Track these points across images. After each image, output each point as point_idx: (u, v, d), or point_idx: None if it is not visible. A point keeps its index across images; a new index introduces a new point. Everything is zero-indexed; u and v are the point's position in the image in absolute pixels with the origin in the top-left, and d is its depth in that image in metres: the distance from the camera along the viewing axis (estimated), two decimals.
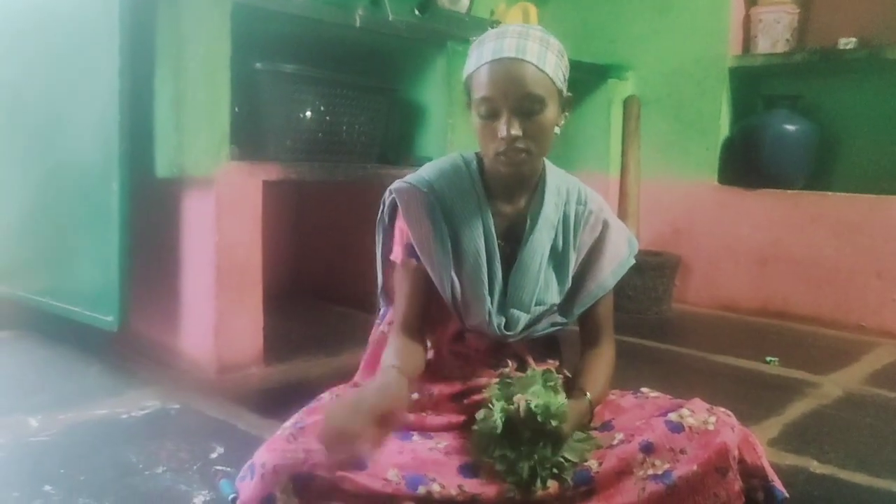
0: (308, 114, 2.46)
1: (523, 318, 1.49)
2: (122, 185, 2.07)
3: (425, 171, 1.52)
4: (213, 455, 1.67)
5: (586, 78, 3.71)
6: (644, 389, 1.60)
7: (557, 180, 1.55)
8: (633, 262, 1.60)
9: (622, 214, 3.75)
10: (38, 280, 2.45)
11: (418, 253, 1.46)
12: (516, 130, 1.34)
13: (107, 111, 2.06)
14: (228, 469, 1.58)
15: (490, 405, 1.36)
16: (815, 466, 1.78)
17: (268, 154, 2.36)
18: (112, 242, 2.08)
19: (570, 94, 1.46)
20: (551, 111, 1.39)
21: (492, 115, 1.36)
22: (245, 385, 2.18)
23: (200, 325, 2.23)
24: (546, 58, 1.37)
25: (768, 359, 2.69)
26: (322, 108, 2.48)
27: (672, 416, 1.41)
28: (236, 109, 2.24)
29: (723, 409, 1.44)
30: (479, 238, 1.47)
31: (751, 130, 3.48)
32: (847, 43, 3.26)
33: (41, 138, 2.36)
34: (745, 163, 3.50)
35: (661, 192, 3.67)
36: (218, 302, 2.19)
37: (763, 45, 3.52)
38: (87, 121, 2.16)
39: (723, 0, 3.52)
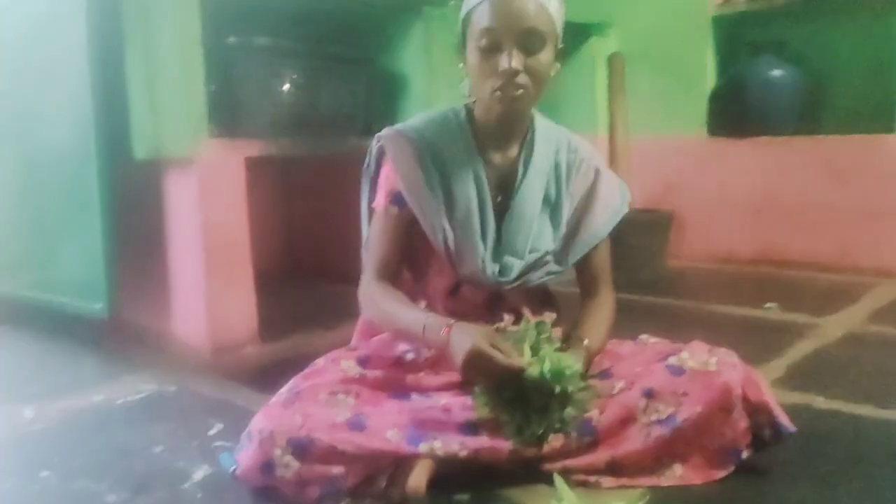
0: (286, 87, 2.41)
1: (517, 264, 1.47)
2: (101, 170, 2.03)
3: (414, 121, 1.52)
4: (212, 432, 1.65)
5: (569, 36, 3.62)
6: (643, 336, 1.58)
7: (547, 130, 1.54)
8: (626, 210, 1.59)
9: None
10: (25, 274, 2.42)
11: (408, 199, 1.44)
12: (518, 64, 1.34)
13: (79, 97, 2.02)
14: (228, 444, 1.55)
15: None
16: (820, 402, 1.76)
17: (248, 131, 2.32)
18: (95, 229, 2.05)
19: (563, 44, 1.45)
20: (550, 52, 1.39)
21: (492, 49, 1.35)
22: (241, 364, 2.16)
23: (192, 306, 2.20)
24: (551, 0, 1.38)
25: (767, 305, 2.68)
26: (300, 81, 2.43)
27: (672, 360, 1.39)
28: (212, 87, 2.20)
29: (724, 350, 1.43)
30: (471, 186, 1.45)
31: (737, 79, 3.44)
32: None
33: (14, 128, 2.32)
34: (734, 112, 3.47)
35: (651, 149, 3.63)
36: (208, 282, 2.16)
37: None
38: (60, 108, 2.12)
39: None
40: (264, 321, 2.33)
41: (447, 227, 1.44)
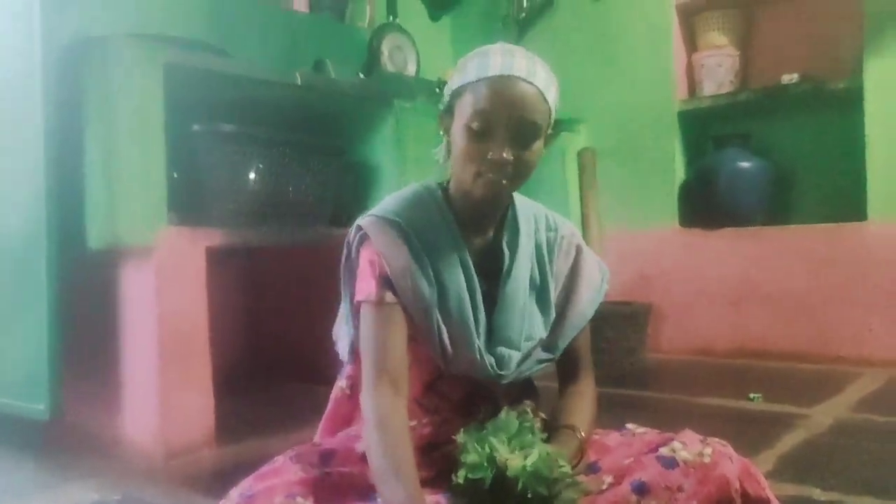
0: (252, 176, 2.35)
1: (515, 356, 1.35)
2: (50, 259, 1.92)
3: (389, 204, 1.37)
4: None
5: None
6: (629, 426, 1.46)
7: (525, 207, 1.44)
8: (606, 288, 1.49)
9: None
10: None
11: (398, 290, 1.28)
12: (509, 155, 1.24)
13: (32, 178, 1.93)
14: None
15: (467, 451, 1.20)
16: (819, 494, 1.65)
17: (211, 220, 2.23)
18: (41, 322, 1.92)
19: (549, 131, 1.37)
20: (540, 144, 1.30)
21: (483, 133, 1.25)
22: (195, 469, 1.99)
23: (144, 406, 2.05)
24: (550, 88, 1.29)
25: (751, 395, 2.58)
26: (266, 170, 2.37)
27: (664, 451, 1.27)
28: (175, 175, 2.13)
29: (717, 440, 1.31)
30: (459, 273, 1.33)
31: (705, 171, 3.47)
32: (790, 78, 3.29)
33: None
34: (704, 203, 3.48)
35: (625, 241, 3.61)
36: (162, 379, 2.02)
37: (708, 88, 3.56)
38: (11, 189, 2.02)
39: (664, 48, 3.57)
40: (222, 423, 2.18)
41: (440, 319, 1.31)
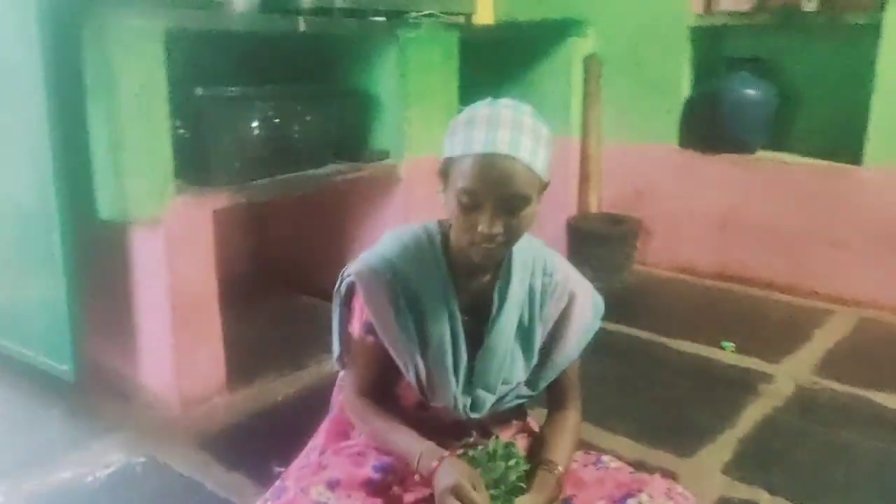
0: (256, 128, 2.34)
1: (489, 399, 1.47)
2: (64, 234, 1.98)
3: (387, 249, 1.45)
4: None
5: (546, 36, 3.59)
6: (605, 458, 1.63)
7: (523, 253, 1.48)
8: (598, 326, 1.56)
9: (584, 177, 3.73)
10: None
11: (381, 336, 1.42)
12: (498, 229, 1.29)
13: (41, 158, 1.94)
14: None
15: None
16: (766, 499, 1.87)
17: (218, 178, 2.25)
18: (60, 293, 2.02)
19: (547, 180, 1.39)
20: (534, 205, 1.33)
21: (473, 207, 1.29)
22: (210, 422, 2.18)
23: (160, 363, 2.20)
24: (537, 154, 1.30)
25: (724, 344, 2.76)
26: (270, 120, 2.36)
27: (631, 503, 1.44)
28: (182, 132, 2.13)
29: (679, 491, 1.48)
30: (445, 322, 1.42)
31: (712, 94, 3.42)
32: (810, 5, 3.17)
33: None
34: (706, 126, 3.46)
35: (623, 155, 3.64)
36: (176, 339, 2.16)
37: (726, 3, 3.41)
38: (22, 168, 2.04)
39: None
40: (232, 362, 2.34)
41: (420, 363, 1.43)
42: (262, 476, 1.83)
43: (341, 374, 1.64)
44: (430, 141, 2.83)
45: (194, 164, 2.19)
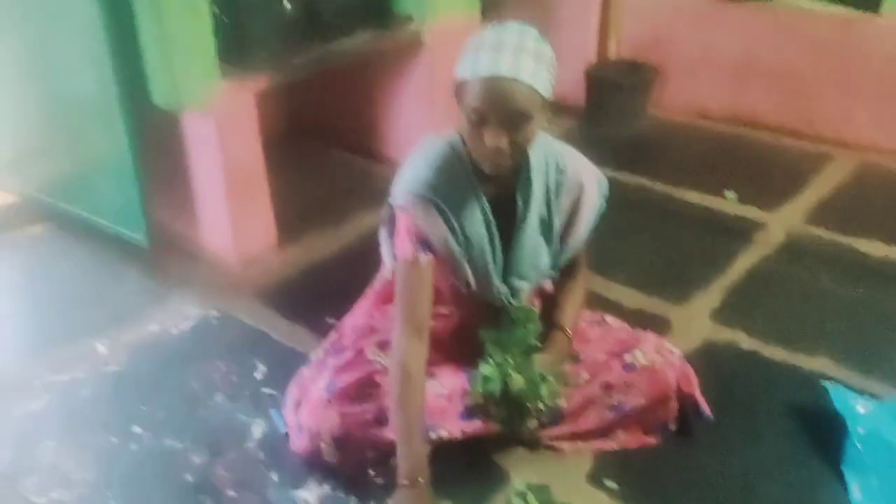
0: (288, 2, 2.47)
1: (525, 286, 1.73)
2: (127, 123, 2.20)
3: (422, 172, 1.61)
4: (258, 376, 2.05)
5: None
6: (608, 318, 1.94)
7: (538, 155, 1.66)
8: (604, 205, 1.76)
9: (604, 23, 3.77)
10: (65, 188, 2.64)
11: (440, 253, 1.61)
12: (503, 144, 1.47)
13: (99, 55, 2.12)
14: (273, 392, 1.96)
15: (485, 361, 1.64)
16: (744, 341, 2.17)
17: (258, 61, 2.42)
18: (130, 172, 2.27)
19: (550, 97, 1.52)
20: (538, 120, 1.50)
21: (480, 124, 1.47)
22: (268, 278, 2.50)
23: (219, 228, 2.50)
24: (539, 74, 1.45)
25: (727, 194, 2.98)
26: None
27: (627, 358, 1.77)
28: (223, 19, 2.28)
29: (668, 347, 1.80)
30: (482, 227, 1.64)
31: None
32: None
33: (36, 70, 2.44)
34: None
35: (644, 0, 3.66)
36: (231, 207, 2.44)
37: None
38: (84, 66, 2.22)
39: None
40: (280, 221, 2.62)
41: (468, 270, 1.66)
42: (318, 327, 2.17)
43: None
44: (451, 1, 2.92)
45: (236, 50, 2.35)
